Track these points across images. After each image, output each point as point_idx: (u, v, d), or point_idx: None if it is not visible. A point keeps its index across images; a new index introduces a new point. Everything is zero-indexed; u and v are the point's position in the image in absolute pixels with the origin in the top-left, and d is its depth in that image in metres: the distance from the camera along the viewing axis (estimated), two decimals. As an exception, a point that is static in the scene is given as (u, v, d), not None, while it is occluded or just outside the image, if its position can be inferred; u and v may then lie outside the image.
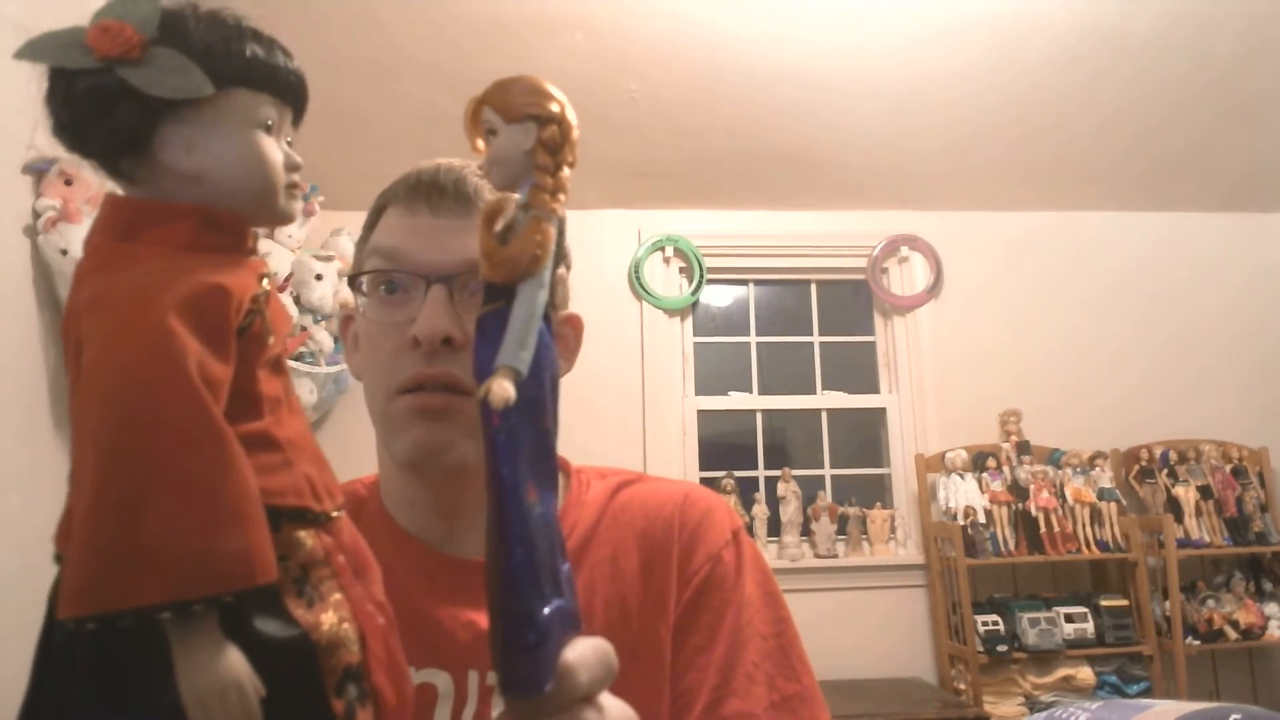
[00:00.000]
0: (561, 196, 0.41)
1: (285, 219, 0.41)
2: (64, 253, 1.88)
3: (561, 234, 0.41)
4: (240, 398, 0.36)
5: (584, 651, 0.41)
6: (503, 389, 0.37)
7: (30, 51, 0.36)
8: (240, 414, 0.36)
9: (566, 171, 0.41)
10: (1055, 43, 2.83)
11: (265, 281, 0.39)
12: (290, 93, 0.40)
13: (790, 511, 3.31)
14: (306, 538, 0.38)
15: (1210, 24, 2.77)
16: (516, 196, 0.41)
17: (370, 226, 0.79)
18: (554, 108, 0.41)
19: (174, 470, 0.32)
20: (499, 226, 0.40)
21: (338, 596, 0.38)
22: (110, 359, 0.33)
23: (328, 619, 0.37)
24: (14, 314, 1.86)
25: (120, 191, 0.40)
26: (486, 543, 0.40)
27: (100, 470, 0.32)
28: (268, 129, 0.39)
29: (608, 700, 0.42)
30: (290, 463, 0.38)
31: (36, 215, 1.90)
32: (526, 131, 0.40)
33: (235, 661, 0.33)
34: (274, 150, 0.40)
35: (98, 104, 0.36)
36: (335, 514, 0.40)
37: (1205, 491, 3.33)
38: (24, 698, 0.35)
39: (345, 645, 0.37)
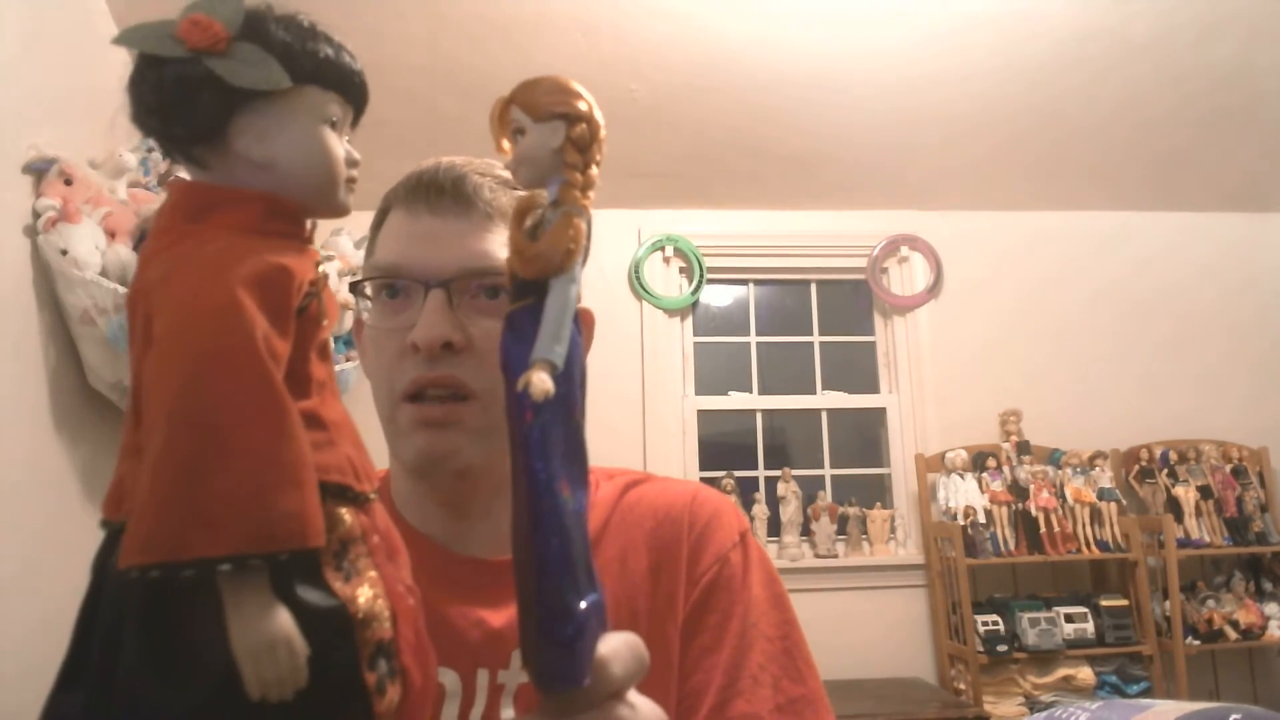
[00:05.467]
0: (591, 193, 0.42)
1: (342, 211, 0.44)
2: (64, 253, 1.87)
3: (589, 231, 0.42)
4: (293, 376, 0.38)
5: (617, 646, 0.41)
6: (542, 381, 0.37)
7: (127, 39, 0.39)
8: (293, 392, 0.37)
9: (595, 169, 0.42)
10: (1055, 43, 2.83)
11: (321, 268, 0.42)
12: (355, 93, 0.43)
13: (790, 511, 3.31)
14: (346, 514, 0.39)
15: (1211, 24, 2.77)
16: (545, 194, 0.42)
17: (376, 227, 0.79)
18: (582, 106, 0.42)
19: (239, 434, 0.34)
20: (529, 223, 0.41)
21: (373, 574, 0.39)
22: (183, 328, 0.35)
23: (364, 594, 0.38)
24: (14, 314, 1.85)
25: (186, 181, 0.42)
26: (515, 538, 0.40)
27: (170, 431, 0.34)
28: (333, 125, 0.42)
29: (637, 698, 0.42)
30: (334, 442, 0.40)
31: (36, 215, 1.89)
32: (555, 130, 0.42)
33: (285, 619, 0.34)
34: (337, 145, 0.42)
35: (185, 91, 0.38)
36: (372, 496, 0.42)
37: (1205, 491, 3.34)
38: (65, 656, 0.37)
39: (379, 620, 0.38)
